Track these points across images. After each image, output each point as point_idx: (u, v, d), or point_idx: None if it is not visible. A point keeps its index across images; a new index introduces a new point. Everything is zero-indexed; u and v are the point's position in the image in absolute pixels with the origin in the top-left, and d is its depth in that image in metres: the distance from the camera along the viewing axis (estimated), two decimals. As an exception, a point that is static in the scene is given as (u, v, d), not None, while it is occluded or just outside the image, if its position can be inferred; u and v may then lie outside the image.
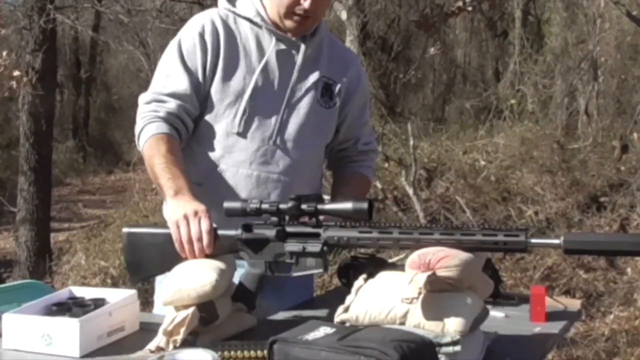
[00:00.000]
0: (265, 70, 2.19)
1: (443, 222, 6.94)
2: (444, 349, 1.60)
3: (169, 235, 1.96)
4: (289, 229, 1.85)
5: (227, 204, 1.91)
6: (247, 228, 1.89)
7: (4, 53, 7.41)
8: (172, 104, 2.15)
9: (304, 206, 1.83)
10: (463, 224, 6.13)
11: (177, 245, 1.95)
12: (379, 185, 7.71)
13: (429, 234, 1.72)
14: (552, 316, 1.98)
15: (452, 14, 7.68)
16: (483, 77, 14.30)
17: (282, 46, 2.21)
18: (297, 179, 2.19)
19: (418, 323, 1.64)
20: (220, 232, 1.93)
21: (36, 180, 8.05)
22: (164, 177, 2.07)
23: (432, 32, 9.09)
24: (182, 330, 1.78)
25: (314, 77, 2.24)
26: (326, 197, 2.09)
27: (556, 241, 1.66)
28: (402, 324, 1.66)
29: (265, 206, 1.86)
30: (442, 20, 8.35)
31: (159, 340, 1.78)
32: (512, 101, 9.74)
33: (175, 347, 1.75)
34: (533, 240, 1.67)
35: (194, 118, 2.20)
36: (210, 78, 2.19)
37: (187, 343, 1.76)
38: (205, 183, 2.16)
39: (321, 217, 1.86)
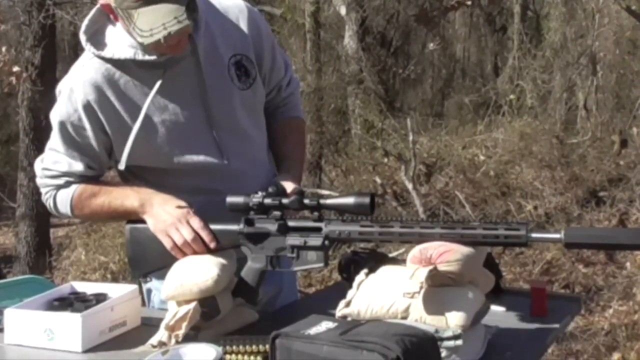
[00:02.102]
0: (174, 100, 2.02)
1: (442, 217, 6.95)
2: (446, 343, 1.60)
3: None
4: (290, 223, 1.85)
5: (229, 199, 1.89)
6: (249, 222, 1.89)
7: (3, 49, 7.38)
8: (72, 178, 2.08)
9: (306, 201, 1.83)
10: (463, 218, 6.15)
11: (174, 252, 1.93)
12: (378, 180, 7.73)
13: (430, 228, 1.72)
14: (552, 311, 1.99)
15: (451, 8, 7.68)
16: (482, 72, 14.30)
17: (176, 64, 2.00)
18: (256, 167, 2.15)
19: (420, 317, 1.65)
20: (222, 226, 1.93)
21: (36, 176, 8.02)
22: (118, 203, 2.02)
23: (431, 26, 9.08)
24: (184, 325, 1.78)
25: (222, 67, 2.07)
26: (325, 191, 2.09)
27: (557, 236, 1.67)
28: (404, 318, 1.66)
29: (268, 201, 1.86)
30: (442, 15, 8.34)
31: (161, 335, 1.78)
32: (511, 96, 9.74)
33: (177, 342, 1.75)
34: (533, 235, 1.67)
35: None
36: (119, 142, 2.01)
37: (188, 338, 1.77)
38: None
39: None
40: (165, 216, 1.95)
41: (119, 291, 2.01)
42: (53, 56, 8.36)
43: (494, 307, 1.86)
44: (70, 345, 1.83)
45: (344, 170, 8.79)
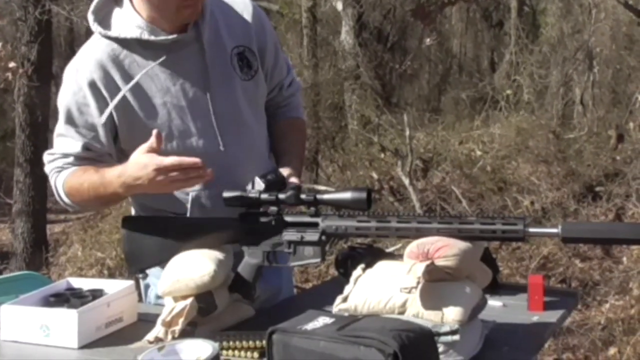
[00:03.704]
0: (177, 83, 2.05)
1: (439, 212, 6.95)
2: (443, 338, 1.60)
3: (168, 225, 1.95)
4: (287, 219, 1.85)
5: (226, 194, 1.89)
6: (246, 217, 1.89)
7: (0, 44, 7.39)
8: (70, 159, 2.07)
9: (302, 196, 1.83)
10: (460, 213, 6.16)
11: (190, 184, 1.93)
12: (375, 175, 7.73)
13: (428, 223, 1.72)
14: (549, 305, 1.99)
15: (448, 3, 7.67)
16: (479, 68, 14.30)
17: (181, 49, 2.04)
18: (253, 157, 2.14)
19: (417, 312, 1.64)
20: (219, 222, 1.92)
21: (32, 172, 8.01)
22: (104, 183, 1.97)
23: (428, 21, 9.08)
24: (181, 320, 1.78)
25: (225, 56, 2.10)
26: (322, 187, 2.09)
27: (554, 230, 1.67)
28: (401, 313, 1.66)
29: (264, 196, 1.86)
30: (438, 10, 8.34)
31: (158, 330, 1.78)
32: (508, 91, 9.74)
33: (173, 338, 1.75)
34: (531, 230, 1.67)
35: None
36: (125, 125, 2.04)
37: (185, 333, 1.77)
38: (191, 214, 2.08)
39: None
40: (145, 180, 1.88)
41: (115, 287, 2.00)
42: (49, 52, 8.36)
43: (491, 302, 1.86)
44: (66, 341, 1.83)
45: (341, 165, 8.79)
